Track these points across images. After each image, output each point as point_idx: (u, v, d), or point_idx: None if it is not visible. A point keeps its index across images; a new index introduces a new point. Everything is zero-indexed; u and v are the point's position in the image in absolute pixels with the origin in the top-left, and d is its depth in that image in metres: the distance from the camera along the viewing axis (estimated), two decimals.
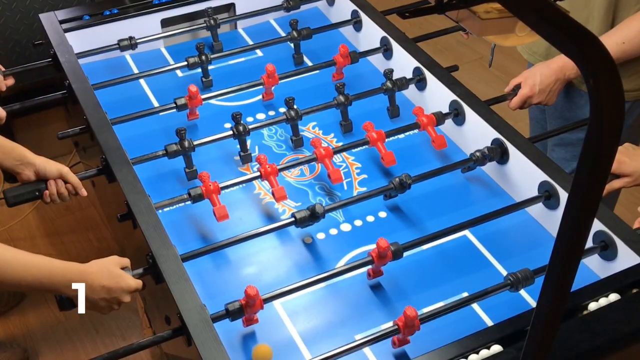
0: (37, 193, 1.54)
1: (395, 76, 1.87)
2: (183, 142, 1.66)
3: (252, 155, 1.76)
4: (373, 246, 1.39)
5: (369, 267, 1.43)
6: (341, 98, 1.81)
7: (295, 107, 1.77)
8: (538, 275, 1.36)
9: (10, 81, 1.85)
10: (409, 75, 1.92)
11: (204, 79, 1.99)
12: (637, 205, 1.49)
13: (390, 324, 1.28)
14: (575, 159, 2.05)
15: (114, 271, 1.34)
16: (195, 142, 1.68)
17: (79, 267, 1.32)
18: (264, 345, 1.34)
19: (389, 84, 1.85)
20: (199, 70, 1.98)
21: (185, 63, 1.95)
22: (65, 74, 1.87)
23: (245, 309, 1.30)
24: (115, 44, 2.03)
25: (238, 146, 1.74)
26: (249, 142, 1.81)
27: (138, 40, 2.05)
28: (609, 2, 1.79)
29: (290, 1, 2.19)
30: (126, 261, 1.37)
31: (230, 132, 1.71)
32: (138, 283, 1.36)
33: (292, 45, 2.09)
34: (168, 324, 1.39)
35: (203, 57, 1.95)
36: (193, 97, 1.80)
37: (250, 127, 1.72)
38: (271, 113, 1.91)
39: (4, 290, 1.32)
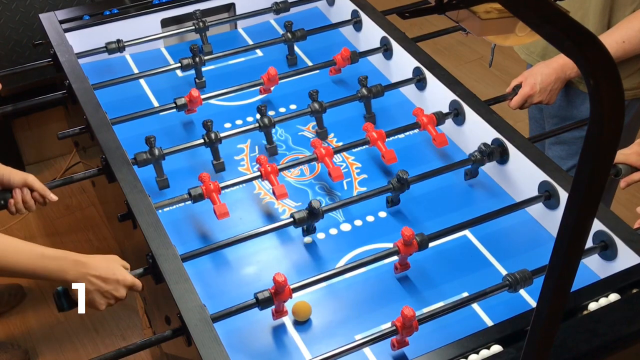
0: (2, 202, 1.53)
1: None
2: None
3: (252, 155, 1.76)
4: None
5: (396, 260, 1.44)
6: (315, 105, 1.79)
7: (268, 114, 1.76)
8: (538, 276, 1.36)
9: None
10: (409, 75, 1.92)
11: (197, 80, 1.99)
12: (637, 205, 1.48)
13: (389, 324, 1.28)
14: (571, 157, 2.05)
15: (110, 263, 1.33)
16: (172, 149, 1.67)
17: (75, 256, 1.32)
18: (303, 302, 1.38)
19: (364, 90, 1.84)
20: (193, 71, 1.98)
21: (179, 64, 1.94)
22: (65, 73, 1.87)
23: (274, 297, 1.30)
24: (105, 46, 2.02)
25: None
26: (249, 142, 1.82)
27: (133, 42, 2.05)
28: (605, 2, 1.79)
29: (280, 4, 2.19)
30: (126, 263, 1.37)
31: (202, 141, 1.69)
32: (135, 279, 1.36)
33: (286, 46, 2.09)
34: (168, 324, 1.39)
35: (197, 59, 1.94)
36: (194, 100, 1.79)
37: (221, 135, 1.70)
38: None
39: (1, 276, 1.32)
